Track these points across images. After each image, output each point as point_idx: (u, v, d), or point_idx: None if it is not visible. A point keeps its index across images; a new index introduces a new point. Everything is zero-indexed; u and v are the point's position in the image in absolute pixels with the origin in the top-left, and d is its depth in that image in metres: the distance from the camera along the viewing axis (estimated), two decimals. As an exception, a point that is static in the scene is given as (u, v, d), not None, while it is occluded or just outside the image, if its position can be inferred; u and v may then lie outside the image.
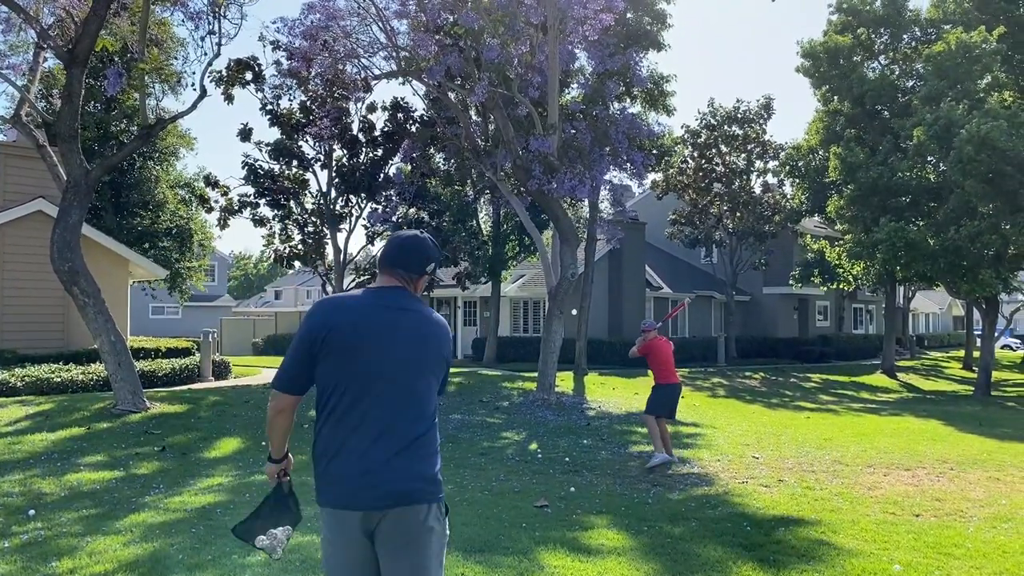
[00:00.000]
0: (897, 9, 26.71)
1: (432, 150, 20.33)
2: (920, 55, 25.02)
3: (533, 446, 10.78)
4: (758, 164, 30.70)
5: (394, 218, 20.70)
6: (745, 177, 30.38)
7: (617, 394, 17.04)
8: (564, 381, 18.07)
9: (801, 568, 5.26)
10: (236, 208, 20.08)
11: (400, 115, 20.39)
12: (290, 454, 2.92)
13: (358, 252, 22.86)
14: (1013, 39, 24.12)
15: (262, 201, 20.37)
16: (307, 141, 20.34)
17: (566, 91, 20.16)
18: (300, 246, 20.94)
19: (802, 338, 34.02)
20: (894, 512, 6.95)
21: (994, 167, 19.28)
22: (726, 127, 29.76)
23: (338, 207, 20.82)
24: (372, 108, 20.85)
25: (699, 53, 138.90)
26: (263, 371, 20.63)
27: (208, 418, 11.84)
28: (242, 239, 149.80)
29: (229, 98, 15.29)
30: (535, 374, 15.97)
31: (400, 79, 16.89)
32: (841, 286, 28.86)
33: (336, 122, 19.28)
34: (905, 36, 27.35)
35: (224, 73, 15.65)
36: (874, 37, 27.28)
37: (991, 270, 20.81)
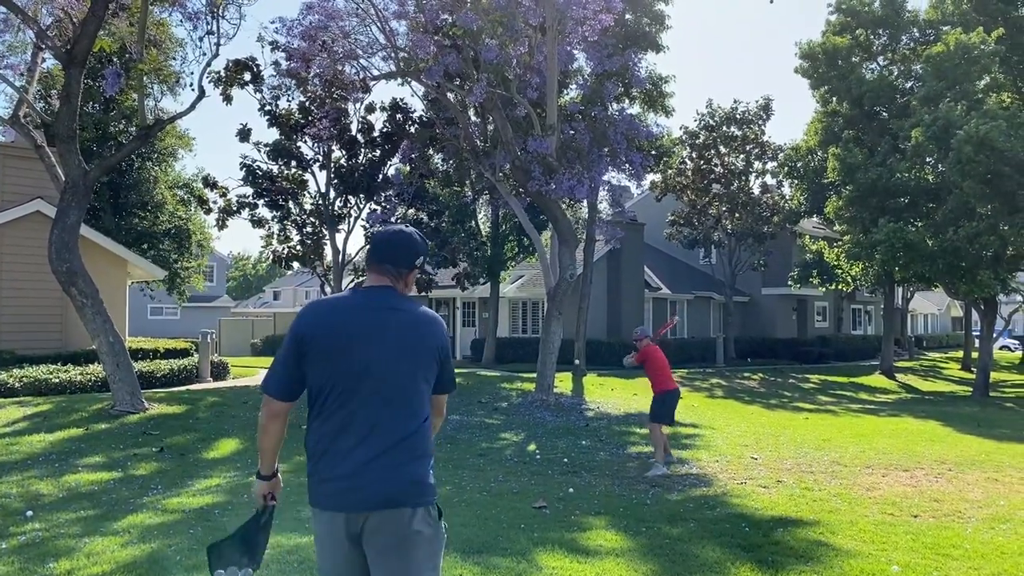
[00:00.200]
0: (895, 10, 26.73)
1: (431, 151, 20.34)
2: (919, 56, 25.04)
3: (532, 447, 10.78)
4: (757, 165, 30.73)
5: (393, 219, 20.70)
6: (744, 178, 30.40)
7: (616, 395, 17.04)
8: (563, 382, 18.08)
9: (799, 569, 5.26)
10: (235, 209, 20.09)
11: (399, 116, 20.41)
12: (280, 475, 2.84)
13: (357, 253, 22.86)
14: (1011, 40, 24.15)
15: (261, 202, 20.38)
16: (306, 142, 20.35)
17: (565, 92, 20.16)
18: (299, 247, 20.95)
19: (801, 339, 34.03)
20: (892, 513, 6.95)
21: (992, 168, 19.30)
22: (725, 128, 29.79)
23: (337, 208, 20.83)
24: (371, 109, 20.87)
25: (698, 54, 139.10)
26: (261, 372, 20.62)
27: (206, 419, 11.83)
28: (241, 240, 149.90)
29: (228, 99, 15.30)
30: (534, 375, 15.97)
31: (399, 80, 16.90)
32: (840, 287, 28.86)
33: (335, 123, 19.28)
34: (904, 37, 27.36)
35: (223, 74, 15.67)
36: (873, 38, 27.29)
37: (989, 271, 20.82)
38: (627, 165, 17.16)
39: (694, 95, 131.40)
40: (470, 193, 23.99)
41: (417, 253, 2.78)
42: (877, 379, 26.85)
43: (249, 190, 20.23)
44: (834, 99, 26.98)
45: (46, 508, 6.70)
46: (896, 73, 27.13)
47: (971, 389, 23.43)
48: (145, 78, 13.81)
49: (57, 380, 13.81)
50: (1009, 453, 10.89)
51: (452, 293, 27.78)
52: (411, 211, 22.02)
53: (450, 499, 7.21)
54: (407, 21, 15.57)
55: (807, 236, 31.31)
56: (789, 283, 30.57)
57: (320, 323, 2.63)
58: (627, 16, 20.11)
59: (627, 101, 21.72)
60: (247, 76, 16.76)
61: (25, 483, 7.67)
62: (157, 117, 17.87)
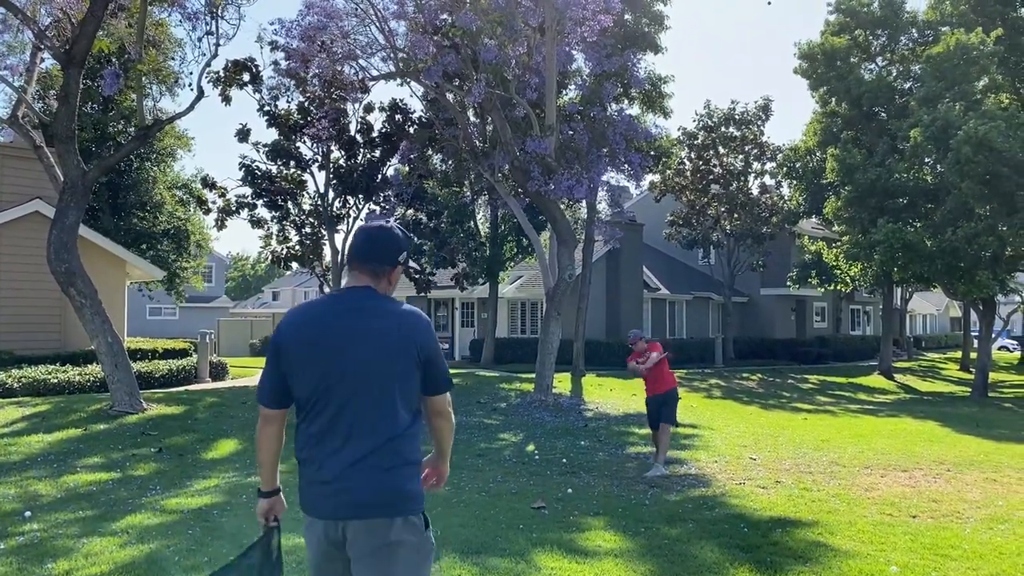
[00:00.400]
0: (894, 11, 26.76)
1: (430, 151, 20.35)
2: (917, 57, 25.07)
3: (530, 447, 10.78)
4: (756, 165, 30.75)
5: (392, 219, 20.66)
6: (743, 178, 30.42)
7: (615, 395, 17.03)
8: (562, 382, 18.08)
9: (798, 570, 5.26)
10: (233, 209, 20.08)
11: (398, 116, 20.42)
12: (282, 494, 2.75)
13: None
14: (1010, 41, 24.19)
15: (260, 202, 20.38)
16: (305, 142, 20.35)
17: (564, 92, 20.16)
18: (298, 247, 20.95)
19: (799, 339, 34.05)
20: (891, 513, 6.95)
21: (991, 168, 19.33)
22: (723, 128, 29.81)
23: (336, 208, 20.82)
24: (370, 109, 20.88)
25: (696, 55, 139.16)
26: (260, 372, 20.57)
27: (205, 419, 11.83)
28: (240, 240, 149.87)
29: (227, 99, 15.30)
30: (533, 375, 15.97)
31: (398, 80, 16.92)
32: (838, 287, 28.89)
33: (334, 123, 19.29)
34: (903, 38, 27.40)
35: (222, 74, 15.66)
36: (871, 39, 27.32)
37: (988, 271, 20.84)
38: (626, 165, 17.18)
39: (693, 96, 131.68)
40: (469, 193, 24.00)
41: (399, 249, 2.68)
42: (876, 379, 26.86)
43: (248, 190, 20.23)
44: (833, 99, 27.00)
45: (44, 508, 6.70)
46: (895, 74, 27.16)
47: (970, 389, 23.45)
48: (144, 78, 13.82)
49: (56, 380, 13.80)
50: (1008, 453, 10.90)
51: (451, 293, 27.78)
52: (410, 211, 22.02)
53: (449, 499, 7.21)
54: (406, 21, 15.58)
55: (806, 236, 31.34)
56: (788, 283, 30.58)
57: (295, 332, 2.59)
58: (626, 17, 20.11)
59: (626, 102, 21.73)
60: (246, 76, 16.76)
61: (23, 483, 7.66)
62: (156, 117, 17.88)
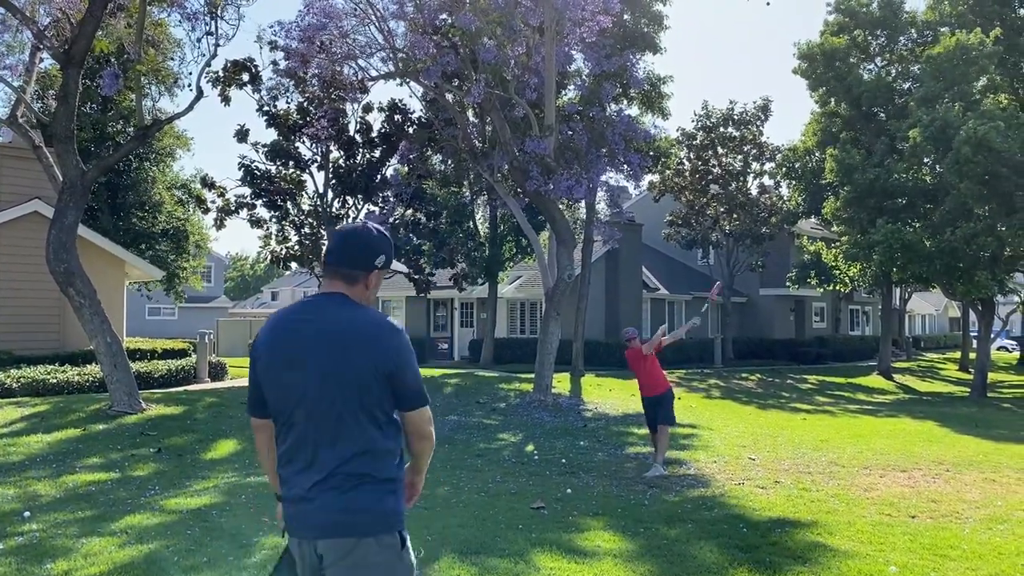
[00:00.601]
0: (893, 11, 26.77)
1: (429, 151, 20.35)
2: (917, 57, 25.08)
3: (530, 447, 10.78)
4: (755, 166, 30.77)
5: (391, 219, 20.70)
6: (742, 179, 30.43)
7: (614, 395, 17.03)
8: (561, 382, 18.07)
9: (797, 570, 5.26)
10: (232, 209, 20.08)
11: (397, 116, 20.42)
12: None
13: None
14: (1008, 41, 24.19)
15: (259, 202, 20.37)
16: (304, 142, 20.35)
17: (563, 92, 20.17)
18: (297, 247, 20.94)
19: (798, 339, 34.07)
20: (890, 514, 6.95)
21: (990, 169, 19.34)
22: (722, 129, 29.82)
23: (335, 208, 20.82)
24: (369, 109, 20.89)
25: (696, 56, 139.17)
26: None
27: (204, 420, 11.82)
28: (239, 240, 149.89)
29: (226, 99, 15.29)
30: (532, 375, 15.97)
31: (397, 80, 16.91)
32: (837, 288, 28.89)
33: (333, 123, 19.28)
34: (902, 38, 27.40)
35: (221, 74, 15.66)
36: (871, 39, 27.32)
37: (987, 272, 20.85)
38: (625, 166, 17.19)
39: (692, 96, 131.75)
40: (468, 194, 24.02)
41: (375, 253, 2.50)
42: (875, 380, 26.88)
43: (247, 190, 20.23)
44: (832, 100, 27.01)
45: (43, 509, 6.70)
46: (894, 74, 27.16)
47: (969, 390, 23.46)
48: (143, 78, 13.80)
49: (55, 381, 13.79)
50: (1007, 454, 10.91)
51: (450, 294, 27.78)
52: (409, 211, 22.01)
53: (448, 500, 7.22)
54: (406, 21, 15.58)
55: (805, 237, 31.34)
56: (787, 284, 30.58)
57: (263, 343, 2.50)
58: (625, 17, 20.13)
59: (625, 102, 21.75)
60: (245, 77, 16.75)
61: (23, 483, 7.66)
62: (155, 117, 17.90)
